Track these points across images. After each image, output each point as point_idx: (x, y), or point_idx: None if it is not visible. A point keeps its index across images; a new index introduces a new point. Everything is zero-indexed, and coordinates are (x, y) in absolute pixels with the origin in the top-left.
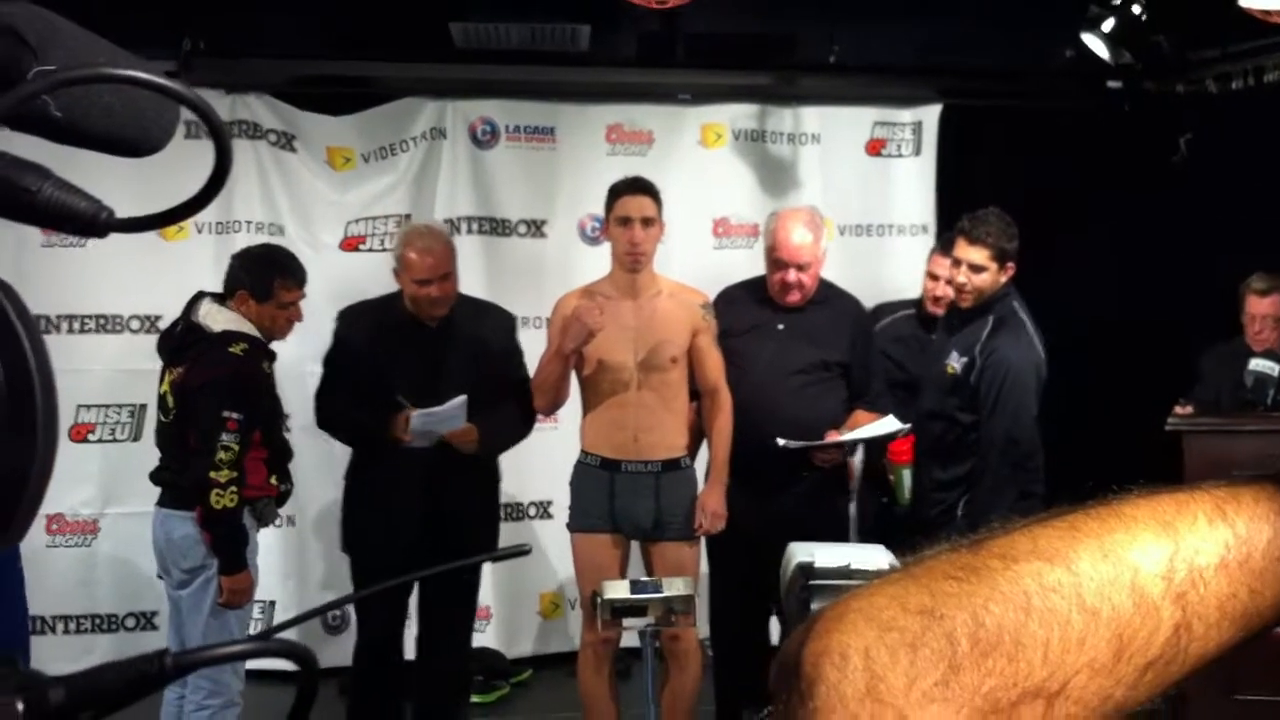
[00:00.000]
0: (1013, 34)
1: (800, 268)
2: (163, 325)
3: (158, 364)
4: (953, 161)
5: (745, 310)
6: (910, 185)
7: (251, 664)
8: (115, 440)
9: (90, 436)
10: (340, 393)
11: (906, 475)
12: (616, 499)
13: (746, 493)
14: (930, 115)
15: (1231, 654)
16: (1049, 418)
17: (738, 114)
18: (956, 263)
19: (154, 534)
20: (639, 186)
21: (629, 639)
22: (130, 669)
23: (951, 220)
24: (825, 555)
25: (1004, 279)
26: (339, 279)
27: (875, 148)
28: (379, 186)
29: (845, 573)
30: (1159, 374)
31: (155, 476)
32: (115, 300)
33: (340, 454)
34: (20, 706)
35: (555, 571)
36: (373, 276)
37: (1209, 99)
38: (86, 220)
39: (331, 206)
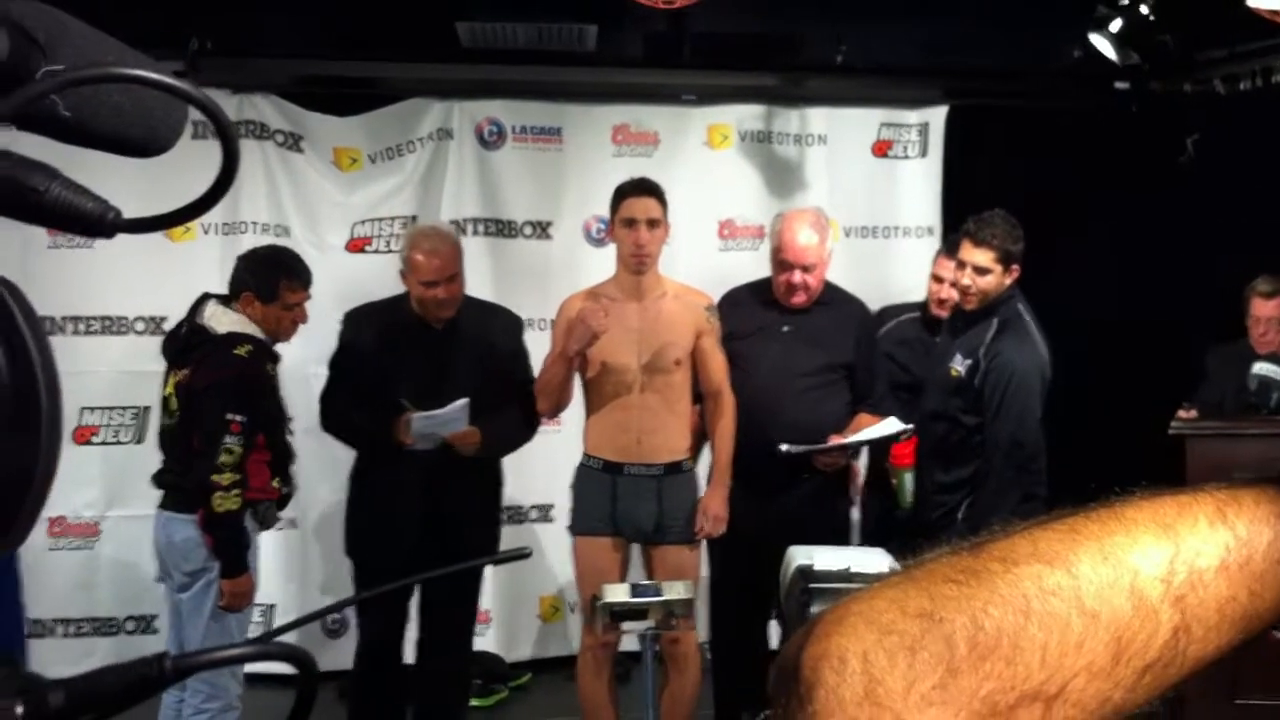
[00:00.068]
0: (1019, 34)
1: (806, 269)
2: (168, 327)
3: (162, 366)
4: (958, 163)
5: (750, 312)
6: (916, 187)
7: (251, 667)
8: (118, 443)
9: (94, 439)
10: (346, 395)
11: (908, 478)
12: (618, 502)
13: (748, 495)
14: (937, 116)
15: (1231, 657)
16: (1051, 419)
17: (744, 115)
18: (961, 265)
19: (155, 537)
20: (644, 188)
21: (629, 642)
22: (130, 672)
23: (957, 222)
24: (825, 558)
25: (1009, 281)
26: (345, 280)
27: (882, 149)
28: (385, 187)
29: (845, 576)
30: (1162, 375)
31: (157, 479)
32: (120, 302)
33: (343, 457)
34: (20, 710)
35: (555, 575)
36: (378, 278)
37: (1216, 99)
38: (94, 221)
39: (337, 207)
